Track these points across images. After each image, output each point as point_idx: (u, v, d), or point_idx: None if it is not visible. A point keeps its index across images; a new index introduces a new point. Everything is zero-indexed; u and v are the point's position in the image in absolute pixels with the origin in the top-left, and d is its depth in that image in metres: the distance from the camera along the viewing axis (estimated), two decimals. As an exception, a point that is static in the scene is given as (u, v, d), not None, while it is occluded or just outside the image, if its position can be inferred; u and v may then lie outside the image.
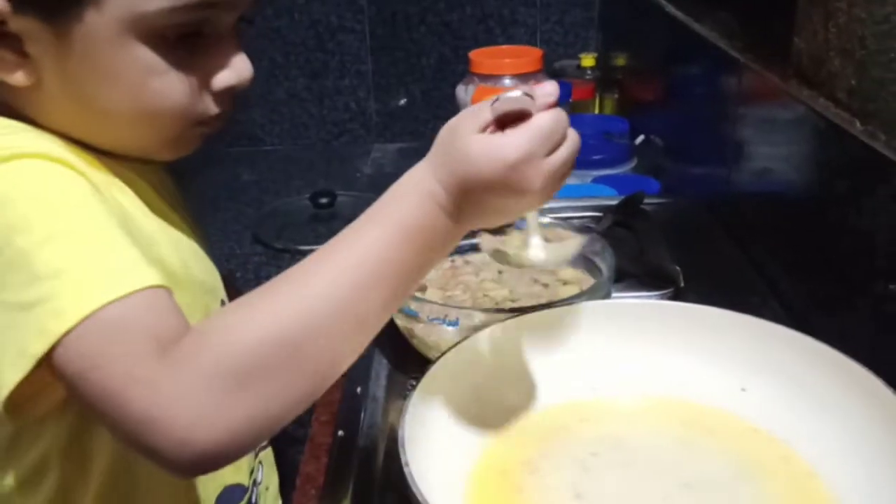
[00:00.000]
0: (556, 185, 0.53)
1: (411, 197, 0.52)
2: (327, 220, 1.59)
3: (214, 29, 0.57)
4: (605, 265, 0.84)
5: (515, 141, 0.51)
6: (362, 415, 0.80)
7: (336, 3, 1.89)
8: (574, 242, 0.70)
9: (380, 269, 0.50)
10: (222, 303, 0.69)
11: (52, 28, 0.52)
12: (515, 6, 1.91)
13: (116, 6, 0.52)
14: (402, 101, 1.98)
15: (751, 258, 1.01)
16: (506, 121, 0.52)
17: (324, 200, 1.59)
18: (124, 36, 0.53)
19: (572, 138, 0.54)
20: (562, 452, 0.64)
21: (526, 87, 0.53)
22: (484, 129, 0.52)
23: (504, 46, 1.61)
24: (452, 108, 1.91)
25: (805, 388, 0.65)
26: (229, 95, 0.59)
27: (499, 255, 0.64)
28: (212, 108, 0.59)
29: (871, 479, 0.57)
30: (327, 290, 0.49)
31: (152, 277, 0.49)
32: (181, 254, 0.62)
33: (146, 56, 0.54)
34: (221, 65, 0.58)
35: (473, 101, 1.44)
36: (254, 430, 0.47)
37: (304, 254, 1.62)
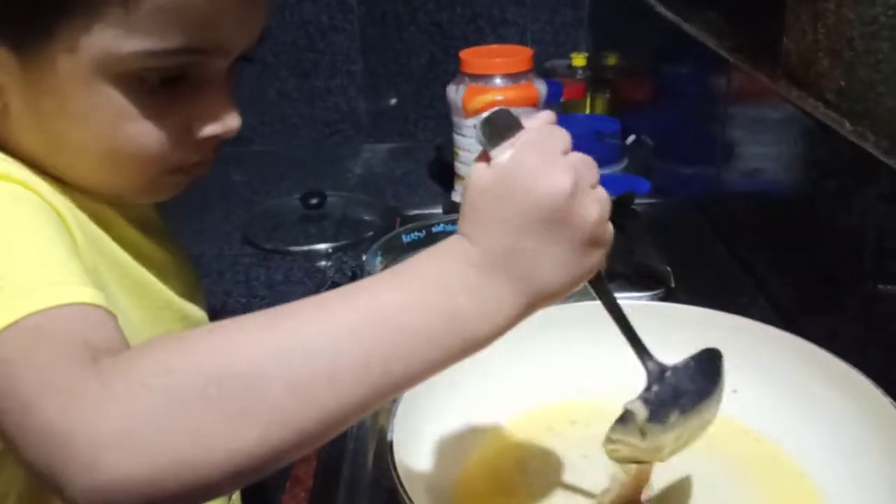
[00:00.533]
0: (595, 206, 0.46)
1: (441, 258, 0.45)
2: (317, 220, 1.59)
3: (202, 75, 0.53)
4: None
5: (505, 152, 0.45)
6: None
7: (326, 2, 1.89)
8: None
9: (394, 324, 0.41)
10: None
11: (19, 58, 0.49)
12: (505, 6, 1.91)
13: (90, 46, 0.48)
14: (393, 101, 1.98)
15: (740, 258, 1.02)
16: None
17: (314, 201, 1.59)
18: (97, 77, 0.50)
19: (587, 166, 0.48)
20: (552, 454, 0.64)
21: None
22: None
23: (494, 46, 1.62)
24: (443, 108, 1.91)
25: (795, 389, 0.65)
26: (212, 145, 0.56)
27: None
28: (191, 156, 0.56)
29: (860, 479, 0.58)
30: (313, 335, 0.40)
31: (92, 296, 0.43)
32: (159, 294, 0.60)
33: (119, 100, 0.50)
34: (207, 113, 0.54)
35: (464, 102, 1.44)
36: (180, 474, 0.37)
37: (295, 254, 1.64)
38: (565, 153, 0.46)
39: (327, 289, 1.05)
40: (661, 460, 0.54)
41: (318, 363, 0.39)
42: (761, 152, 0.97)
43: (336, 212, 1.61)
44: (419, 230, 0.88)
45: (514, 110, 0.48)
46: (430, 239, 0.87)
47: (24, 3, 0.48)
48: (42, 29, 0.48)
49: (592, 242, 0.46)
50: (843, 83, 0.77)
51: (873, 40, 0.72)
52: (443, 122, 1.98)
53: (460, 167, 1.52)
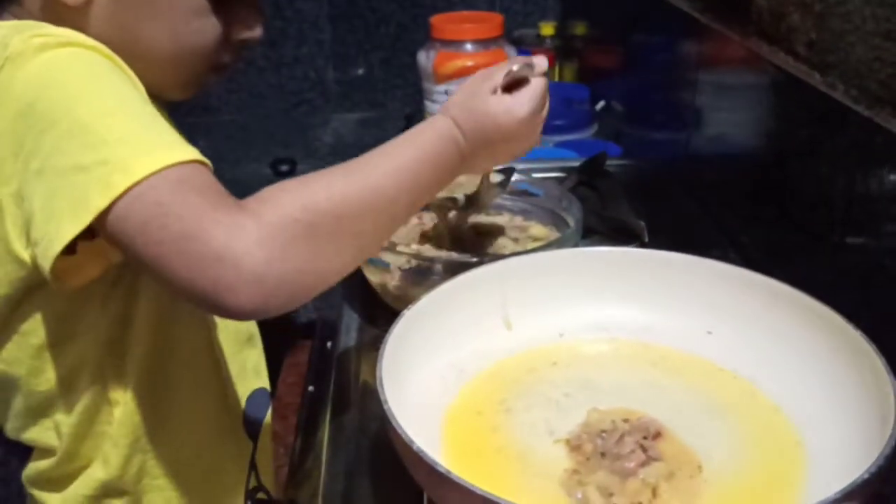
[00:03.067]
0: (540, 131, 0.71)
1: (439, 137, 0.64)
2: (288, 187, 1.59)
3: None
4: (572, 219, 0.85)
5: (525, 101, 0.66)
6: (333, 370, 0.80)
7: (294, -31, 1.87)
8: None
9: (412, 178, 0.60)
10: None
11: None
12: (475, -26, 1.91)
13: None
14: (361, 71, 1.97)
15: (710, 214, 1.04)
16: (511, 85, 0.67)
17: (284, 168, 1.59)
18: None
19: (548, 98, 0.70)
20: (534, 393, 0.65)
21: (526, 59, 0.68)
22: (494, 91, 0.66)
23: (465, 12, 1.61)
24: (412, 77, 1.91)
25: (768, 328, 0.67)
26: (240, 48, 0.67)
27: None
28: (227, 56, 0.67)
29: (831, 410, 0.59)
30: (375, 182, 0.58)
31: (198, 154, 0.53)
32: None
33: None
34: (242, 19, 0.66)
35: (435, 67, 1.44)
36: (305, 280, 0.53)
37: None
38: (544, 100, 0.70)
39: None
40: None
41: (385, 199, 0.59)
42: (733, 110, 0.99)
43: (307, 179, 1.61)
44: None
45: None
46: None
47: None
48: None
49: (532, 144, 0.71)
50: (813, 35, 0.79)
51: (844, -9, 0.74)
52: (412, 92, 1.98)
53: (431, 134, 1.52)
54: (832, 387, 0.61)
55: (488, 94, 0.66)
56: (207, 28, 0.63)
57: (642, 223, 0.94)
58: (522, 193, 0.93)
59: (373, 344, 0.81)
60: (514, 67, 0.67)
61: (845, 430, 0.57)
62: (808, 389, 0.62)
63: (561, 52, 1.81)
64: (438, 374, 0.65)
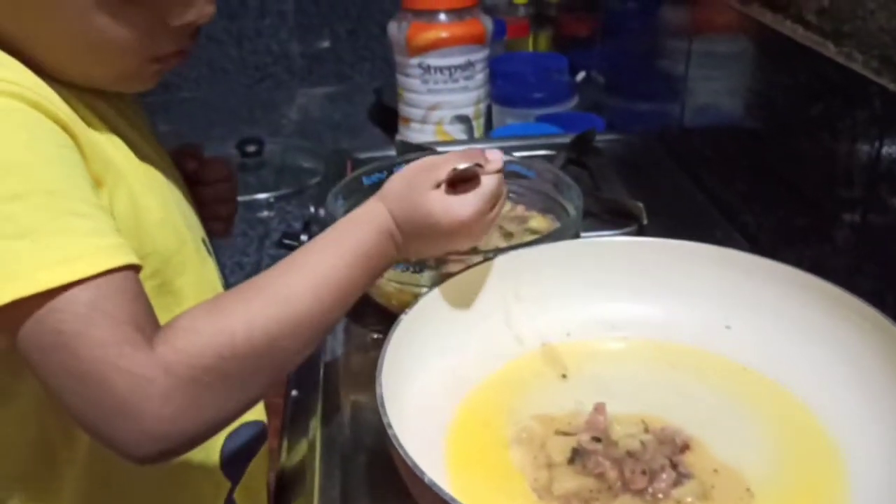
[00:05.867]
0: (489, 231, 0.63)
1: (371, 231, 0.57)
2: (256, 168, 1.51)
3: None
4: (571, 205, 0.79)
5: (470, 202, 0.58)
6: (320, 372, 0.74)
7: (253, -64, 1.78)
8: None
9: (338, 285, 0.54)
10: (203, 241, 0.67)
11: None
12: (442, -61, 1.83)
13: None
14: (327, 43, 1.89)
15: (708, 190, 0.99)
16: (458, 180, 0.59)
17: (251, 148, 1.51)
18: None
19: (504, 194, 0.63)
20: (545, 400, 0.60)
21: (476, 155, 0.60)
22: (437, 186, 0.58)
23: (437, -20, 1.54)
24: (380, 48, 1.83)
25: (789, 319, 0.63)
26: (189, 32, 0.55)
27: None
28: (167, 45, 0.55)
29: (868, 411, 0.55)
30: (293, 303, 0.51)
31: (125, 255, 0.47)
32: (160, 192, 0.59)
33: None
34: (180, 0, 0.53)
35: (408, 40, 1.37)
36: (215, 426, 0.49)
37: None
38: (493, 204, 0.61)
39: (279, 241, 0.99)
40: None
41: (314, 319, 0.52)
42: (728, 81, 0.93)
43: (275, 159, 1.54)
44: (380, 171, 0.82)
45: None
46: (392, 180, 0.81)
47: None
48: None
49: (471, 243, 0.62)
50: (825, 3, 0.74)
51: (862, -46, 0.68)
52: (380, 65, 1.91)
53: (405, 108, 1.45)
54: (867, 385, 0.56)
55: (429, 188, 0.58)
56: (114, 23, 0.51)
57: (640, 204, 0.88)
58: (513, 176, 0.87)
59: (360, 345, 0.76)
60: (461, 166, 0.58)
61: (886, 433, 0.53)
62: (842, 388, 0.58)
63: (535, 19, 1.75)
64: (440, 382, 0.60)
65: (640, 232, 0.88)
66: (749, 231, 0.89)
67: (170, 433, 0.46)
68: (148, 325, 0.47)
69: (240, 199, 1.39)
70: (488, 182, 0.59)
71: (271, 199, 1.42)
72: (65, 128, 0.49)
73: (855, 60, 0.69)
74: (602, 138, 1.12)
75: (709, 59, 0.99)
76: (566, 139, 1.10)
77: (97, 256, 0.45)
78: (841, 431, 0.55)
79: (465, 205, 0.58)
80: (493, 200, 0.60)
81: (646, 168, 1.06)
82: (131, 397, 0.44)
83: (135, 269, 0.48)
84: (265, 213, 1.40)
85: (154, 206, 0.57)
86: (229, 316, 0.49)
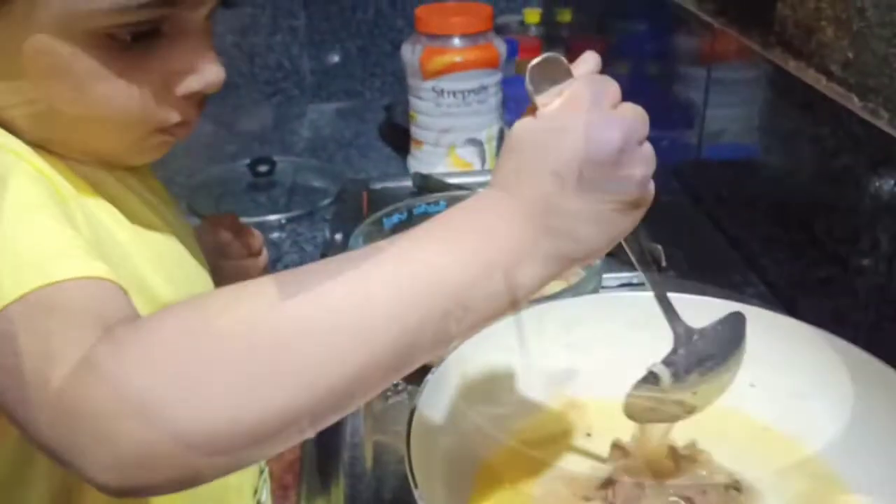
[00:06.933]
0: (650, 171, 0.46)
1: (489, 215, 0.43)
2: (266, 188, 1.51)
3: (178, 27, 0.49)
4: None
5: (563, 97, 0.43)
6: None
7: (265, -48, 1.79)
8: None
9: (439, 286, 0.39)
10: None
11: None
12: (454, -43, 1.84)
13: (49, 4, 0.44)
14: (337, 59, 1.90)
15: (726, 233, 0.99)
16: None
17: (263, 168, 1.51)
18: (61, 37, 0.45)
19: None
20: (572, 461, 0.60)
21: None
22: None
23: (451, 3, 1.54)
24: (391, 65, 1.84)
25: (814, 382, 0.63)
26: (195, 101, 0.52)
27: None
28: (173, 115, 0.51)
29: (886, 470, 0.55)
30: (343, 295, 0.38)
31: (99, 269, 0.41)
32: (164, 266, 0.55)
33: (86, 61, 0.46)
34: (186, 67, 0.50)
35: (422, 63, 1.37)
36: (204, 444, 0.36)
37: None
38: (615, 105, 0.45)
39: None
40: (678, 420, 0.56)
41: (346, 326, 0.38)
42: (749, 125, 0.94)
43: (286, 179, 1.53)
44: (400, 212, 0.82)
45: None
46: (413, 221, 0.81)
47: None
48: None
49: (634, 203, 0.45)
50: (850, 55, 0.74)
51: (890, 11, 0.68)
52: (391, 81, 1.91)
53: (417, 131, 1.45)
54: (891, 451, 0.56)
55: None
56: (119, 91, 0.48)
57: (659, 247, 0.89)
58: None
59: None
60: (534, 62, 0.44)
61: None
62: (866, 456, 0.58)
63: (546, 41, 1.76)
64: (467, 443, 0.60)
65: (659, 273, 0.88)
66: (768, 277, 0.89)
67: (123, 436, 0.35)
68: (117, 315, 0.39)
69: (251, 220, 1.40)
70: (579, 74, 0.45)
71: (283, 221, 1.42)
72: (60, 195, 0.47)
73: (881, 118, 0.70)
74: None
75: (728, 93, 0.99)
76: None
77: (60, 264, 0.41)
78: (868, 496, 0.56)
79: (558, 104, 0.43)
80: (603, 86, 0.45)
81: (662, 205, 1.06)
82: (68, 386, 0.36)
83: (107, 281, 0.42)
84: (277, 235, 1.40)
85: (160, 284, 0.54)
86: (242, 296, 0.39)
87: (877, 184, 0.70)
